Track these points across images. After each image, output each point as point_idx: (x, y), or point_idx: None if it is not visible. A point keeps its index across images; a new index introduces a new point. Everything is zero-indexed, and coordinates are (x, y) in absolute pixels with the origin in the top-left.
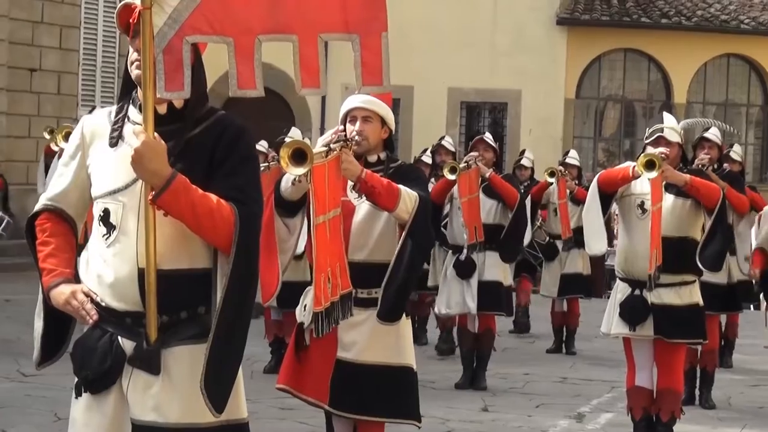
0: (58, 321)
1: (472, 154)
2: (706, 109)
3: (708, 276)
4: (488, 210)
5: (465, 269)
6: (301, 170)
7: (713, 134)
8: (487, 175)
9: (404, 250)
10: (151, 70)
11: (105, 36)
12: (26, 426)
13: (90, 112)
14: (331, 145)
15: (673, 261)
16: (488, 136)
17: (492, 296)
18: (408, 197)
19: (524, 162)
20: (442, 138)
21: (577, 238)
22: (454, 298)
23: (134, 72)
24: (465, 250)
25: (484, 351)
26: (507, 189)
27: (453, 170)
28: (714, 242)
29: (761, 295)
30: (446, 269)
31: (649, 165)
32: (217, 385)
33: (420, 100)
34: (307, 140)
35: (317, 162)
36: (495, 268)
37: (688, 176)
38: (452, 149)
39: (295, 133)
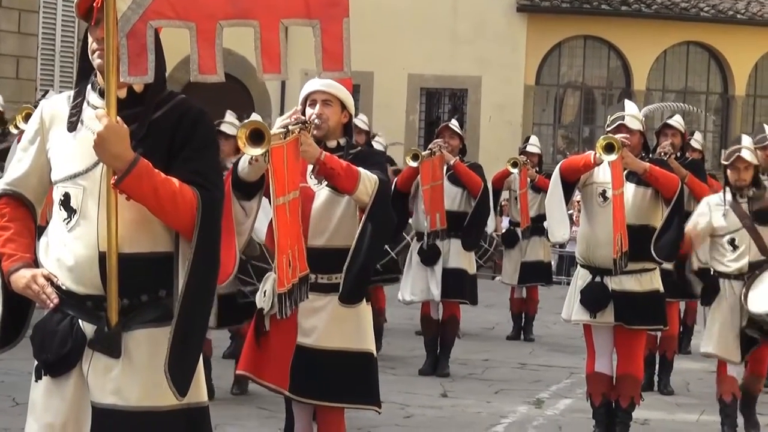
0: (18, 306)
1: (437, 141)
2: (665, 96)
3: (668, 263)
4: (453, 197)
5: (429, 256)
6: (258, 150)
7: (676, 121)
8: (452, 162)
9: (365, 233)
10: (114, 55)
11: (64, 20)
12: None
13: (44, 95)
14: (290, 127)
15: (634, 248)
16: (454, 123)
17: (456, 284)
18: (368, 180)
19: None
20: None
21: (537, 226)
22: (418, 285)
23: (96, 61)
24: (426, 238)
25: (448, 338)
26: (471, 177)
27: (415, 157)
28: (669, 232)
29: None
30: (411, 256)
31: (609, 148)
32: (180, 368)
33: (380, 86)
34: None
35: (275, 143)
36: (460, 256)
37: (647, 164)
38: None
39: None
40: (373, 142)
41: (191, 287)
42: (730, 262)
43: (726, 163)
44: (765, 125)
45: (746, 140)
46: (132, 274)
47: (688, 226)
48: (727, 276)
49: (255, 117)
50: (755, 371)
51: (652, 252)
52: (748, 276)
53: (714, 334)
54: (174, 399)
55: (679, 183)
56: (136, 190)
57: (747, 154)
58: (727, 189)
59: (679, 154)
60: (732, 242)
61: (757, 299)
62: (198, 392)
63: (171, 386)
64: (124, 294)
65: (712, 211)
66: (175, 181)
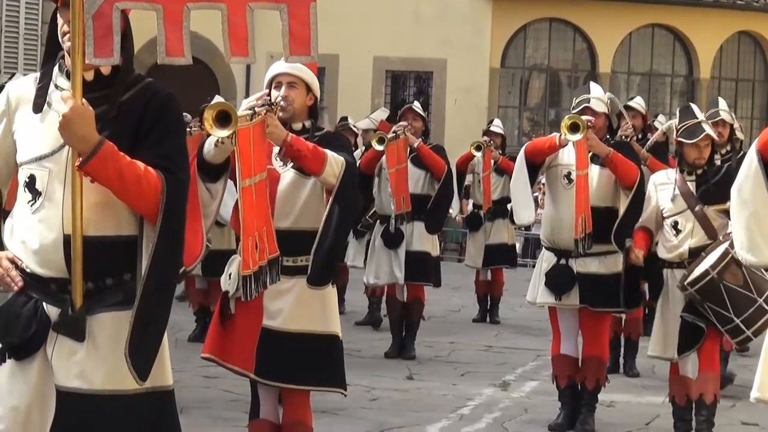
0: None
1: (401, 123)
2: (630, 79)
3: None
4: (416, 180)
5: (393, 239)
6: (225, 132)
7: (637, 103)
8: (416, 145)
9: (332, 215)
10: (80, 36)
11: (28, 4)
12: None
13: (10, 78)
14: (256, 109)
15: (598, 231)
16: (417, 105)
17: (420, 266)
18: (334, 161)
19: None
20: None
21: (501, 209)
22: (382, 268)
23: (66, 44)
24: (392, 221)
25: (413, 320)
26: (434, 160)
27: (381, 141)
28: (630, 225)
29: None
30: (374, 239)
31: (574, 127)
32: (141, 352)
33: (345, 69)
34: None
35: (242, 125)
36: (423, 239)
37: (610, 150)
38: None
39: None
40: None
41: (154, 271)
42: (672, 247)
43: (689, 141)
44: (720, 99)
45: (722, 104)
46: (96, 258)
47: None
48: (670, 265)
49: (219, 99)
50: (707, 368)
51: (614, 243)
52: (689, 262)
53: (658, 332)
54: None
55: (639, 173)
56: (100, 172)
57: (710, 130)
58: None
59: (640, 136)
60: (675, 225)
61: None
62: (163, 375)
63: (131, 370)
64: (88, 277)
65: (657, 192)
66: (141, 164)
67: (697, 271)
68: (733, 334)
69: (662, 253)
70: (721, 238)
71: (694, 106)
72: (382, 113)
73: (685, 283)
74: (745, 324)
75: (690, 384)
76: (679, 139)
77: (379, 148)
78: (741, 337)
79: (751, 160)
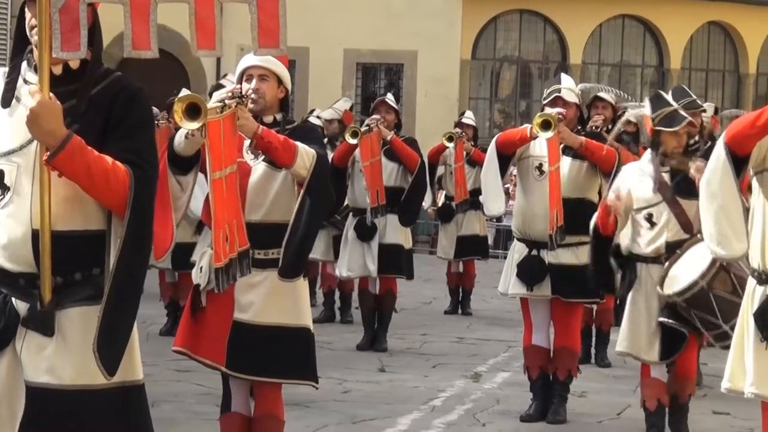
0: None
1: (374, 116)
2: (601, 70)
3: None
4: (389, 173)
5: (366, 232)
6: (195, 124)
7: (607, 94)
8: (389, 137)
9: (303, 207)
10: (47, 30)
11: None
12: None
13: None
14: (227, 101)
15: (570, 222)
16: (390, 98)
17: (393, 259)
18: (306, 153)
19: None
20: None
21: (473, 200)
22: (355, 261)
23: (34, 37)
24: (368, 214)
25: (385, 313)
26: (408, 152)
27: (355, 134)
28: None
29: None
30: (347, 232)
31: (545, 125)
32: (109, 347)
33: (316, 62)
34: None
35: (212, 117)
36: (396, 231)
37: (583, 138)
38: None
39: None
40: (310, 118)
41: (122, 266)
42: (648, 241)
43: (670, 129)
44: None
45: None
46: (65, 252)
47: (609, 198)
48: (644, 259)
49: (186, 92)
50: (681, 373)
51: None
52: (666, 257)
53: (627, 328)
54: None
55: (617, 156)
56: (68, 167)
57: (688, 116)
58: (651, 155)
59: (610, 127)
60: (649, 218)
61: (673, 279)
62: (133, 370)
63: (99, 366)
64: (57, 272)
65: (630, 183)
66: (108, 158)
67: (685, 281)
68: (718, 339)
69: (637, 248)
70: (697, 234)
71: (664, 94)
72: (345, 103)
73: (672, 293)
74: (733, 330)
75: (662, 387)
76: (658, 128)
77: (353, 141)
78: (727, 342)
79: (719, 153)
